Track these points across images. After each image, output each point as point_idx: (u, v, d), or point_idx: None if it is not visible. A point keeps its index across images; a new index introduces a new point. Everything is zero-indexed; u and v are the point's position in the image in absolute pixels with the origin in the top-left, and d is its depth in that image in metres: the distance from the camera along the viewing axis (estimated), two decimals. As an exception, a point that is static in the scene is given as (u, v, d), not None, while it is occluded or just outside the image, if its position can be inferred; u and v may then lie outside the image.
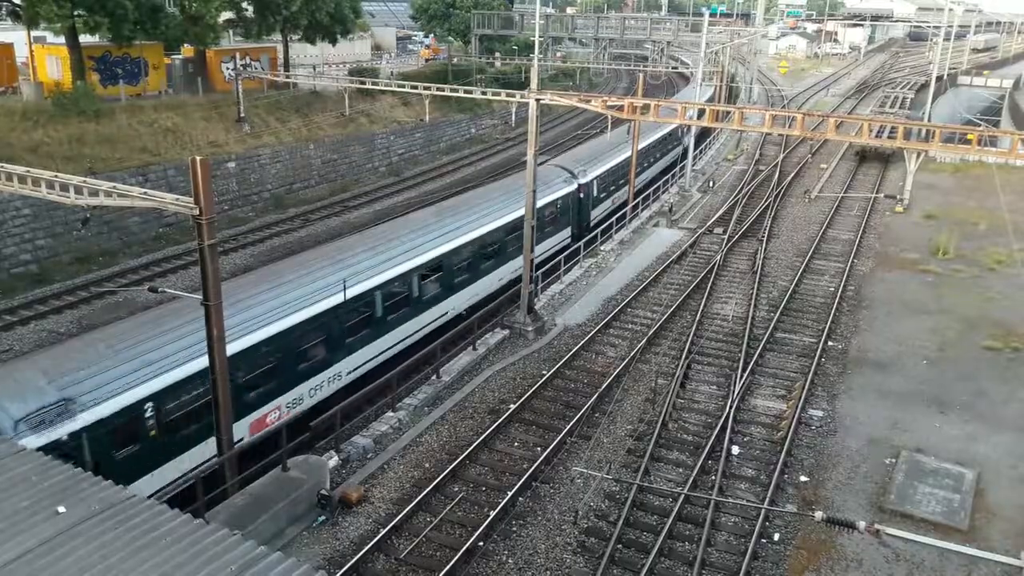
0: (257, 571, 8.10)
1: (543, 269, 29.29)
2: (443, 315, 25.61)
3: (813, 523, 15.37)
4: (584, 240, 33.06)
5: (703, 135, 55.57)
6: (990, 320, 26.37)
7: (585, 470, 17.25)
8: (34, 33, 43.92)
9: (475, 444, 18.55)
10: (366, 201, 44.46)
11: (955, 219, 38.00)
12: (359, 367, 21.91)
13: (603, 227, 34.91)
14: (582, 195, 34.78)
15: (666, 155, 50.49)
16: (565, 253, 32.18)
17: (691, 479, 17.51)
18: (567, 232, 34.26)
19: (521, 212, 27.03)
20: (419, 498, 16.55)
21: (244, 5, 49.46)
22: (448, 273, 25.57)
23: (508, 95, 28.80)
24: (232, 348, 16.13)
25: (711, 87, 62.39)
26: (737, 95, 75.96)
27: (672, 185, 44.70)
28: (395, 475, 17.84)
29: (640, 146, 40.34)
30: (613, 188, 39.34)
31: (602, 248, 33.34)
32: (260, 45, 55.03)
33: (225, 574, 7.99)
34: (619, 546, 15.50)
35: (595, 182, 36.13)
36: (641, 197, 39.64)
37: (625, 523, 16.06)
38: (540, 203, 28.89)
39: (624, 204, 38.52)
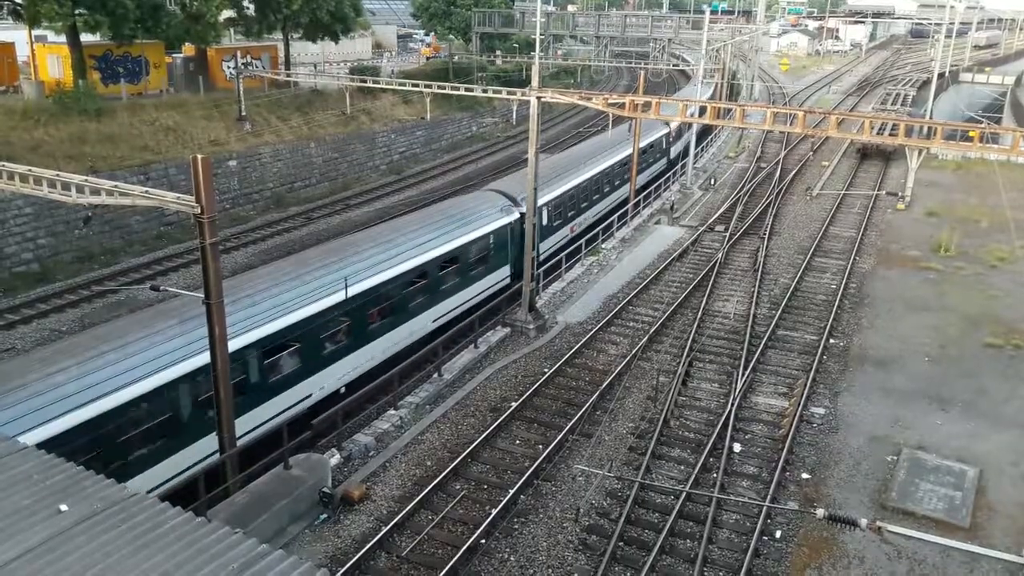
0: (258, 569, 8.10)
1: (460, 325, 24.35)
2: (304, 397, 20.25)
3: (815, 520, 15.43)
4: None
5: (704, 132, 55.50)
6: (992, 317, 26.34)
7: (587, 468, 17.27)
8: (35, 32, 43.97)
9: (477, 442, 18.55)
10: (367, 200, 44.50)
11: (957, 216, 37.94)
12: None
13: (553, 262, 30.53)
14: (526, 225, 28.66)
15: (645, 171, 43.94)
16: (500, 298, 26.98)
17: (693, 477, 17.52)
18: (504, 272, 28.61)
19: (405, 267, 23.07)
20: (421, 496, 16.56)
21: (245, 3, 49.55)
22: (304, 348, 19.93)
23: (509, 93, 28.81)
24: None
25: (712, 85, 62.31)
26: (738, 92, 75.90)
27: (673, 183, 44.66)
28: (397, 473, 17.86)
29: (607, 164, 37.45)
30: (573, 214, 34.17)
31: (603, 246, 33.31)
32: (261, 43, 55.14)
33: (227, 572, 7.99)
34: (621, 544, 15.51)
35: (545, 209, 30.77)
36: (642, 196, 39.56)
37: (627, 521, 16.05)
38: (464, 239, 25.85)
39: (587, 231, 34.21)
